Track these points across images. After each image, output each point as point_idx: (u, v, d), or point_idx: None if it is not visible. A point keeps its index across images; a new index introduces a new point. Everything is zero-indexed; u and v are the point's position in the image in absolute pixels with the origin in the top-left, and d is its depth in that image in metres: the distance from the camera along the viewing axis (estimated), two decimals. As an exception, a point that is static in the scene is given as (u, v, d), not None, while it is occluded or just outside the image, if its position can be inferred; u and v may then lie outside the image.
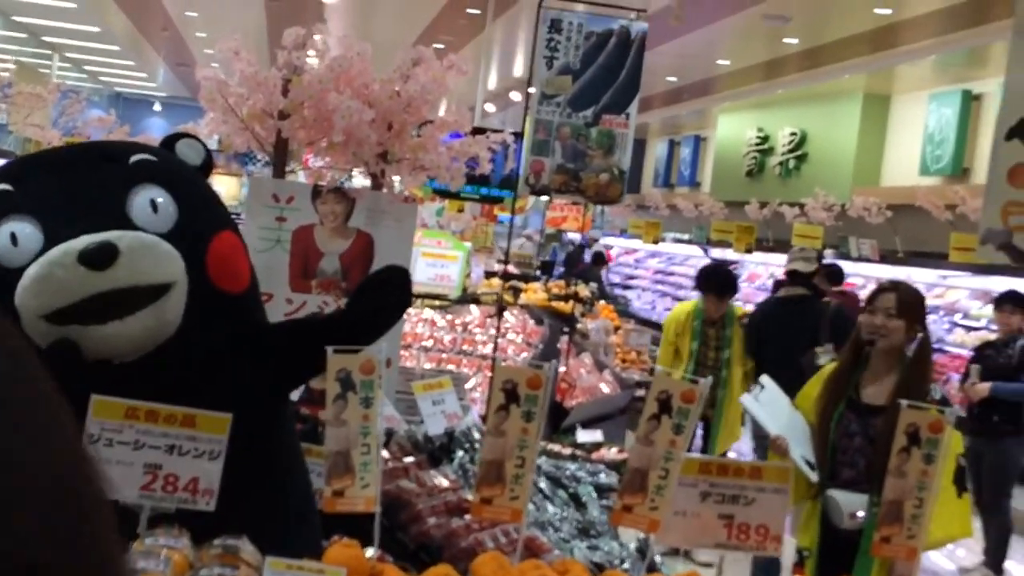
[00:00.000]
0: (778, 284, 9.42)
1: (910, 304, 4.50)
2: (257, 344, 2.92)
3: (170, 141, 3.10)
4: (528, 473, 2.89)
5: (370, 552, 2.77)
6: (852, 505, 4.32)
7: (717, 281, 8.58)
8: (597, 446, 6.14)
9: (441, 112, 4.87)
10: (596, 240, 23.49)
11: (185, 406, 2.57)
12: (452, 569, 2.64)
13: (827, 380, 4.59)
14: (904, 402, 3.18)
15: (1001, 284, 11.08)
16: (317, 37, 4.61)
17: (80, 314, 2.56)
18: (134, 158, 2.85)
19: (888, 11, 14.70)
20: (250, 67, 4.54)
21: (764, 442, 5.59)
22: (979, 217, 12.99)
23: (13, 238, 2.60)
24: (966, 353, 12.18)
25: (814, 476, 4.40)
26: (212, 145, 5.30)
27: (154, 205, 2.73)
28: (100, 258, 2.53)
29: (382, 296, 3.07)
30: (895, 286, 4.64)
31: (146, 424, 2.53)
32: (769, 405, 4.62)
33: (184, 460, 2.55)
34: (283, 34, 4.56)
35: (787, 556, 4.61)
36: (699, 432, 7.90)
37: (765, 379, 4.74)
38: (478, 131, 5.02)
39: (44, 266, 2.53)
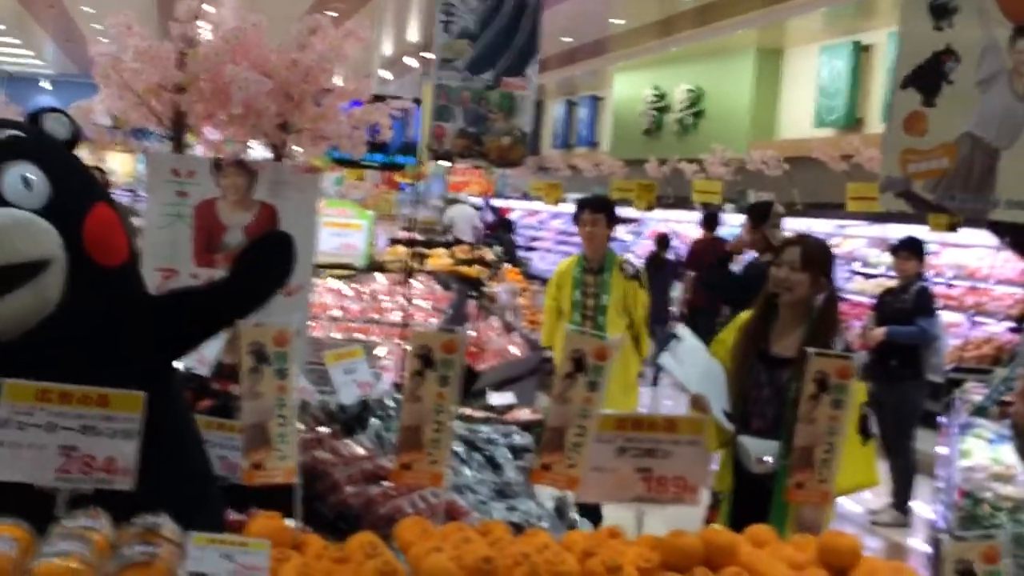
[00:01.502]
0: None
1: (814, 257, 4.56)
2: (139, 315, 2.88)
3: (35, 117, 3.04)
4: (446, 437, 2.90)
5: (291, 523, 2.77)
6: (760, 451, 4.42)
7: (593, 199, 8.36)
8: (509, 408, 6.16)
9: (337, 81, 4.84)
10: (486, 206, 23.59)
11: (71, 382, 2.53)
12: (375, 535, 2.64)
13: (740, 330, 4.66)
14: (812, 350, 3.24)
15: (898, 231, 11.31)
16: (211, 8, 4.56)
17: None
18: (1, 135, 2.79)
19: (778, -35, 14.87)
20: (143, 41, 4.47)
21: None
22: (874, 166, 13.19)
23: None
24: (866, 301, 12.44)
25: (730, 426, 4.49)
26: (105, 122, 5.22)
27: (26, 181, 2.67)
28: None
29: (265, 261, 3.05)
30: (801, 239, 4.69)
31: (59, 406, 2.50)
32: (686, 358, 4.65)
33: (99, 440, 2.52)
34: (175, 6, 4.49)
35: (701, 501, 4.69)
36: None
37: (681, 330, 4.75)
38: (377, 98, 4.99)
39: None
